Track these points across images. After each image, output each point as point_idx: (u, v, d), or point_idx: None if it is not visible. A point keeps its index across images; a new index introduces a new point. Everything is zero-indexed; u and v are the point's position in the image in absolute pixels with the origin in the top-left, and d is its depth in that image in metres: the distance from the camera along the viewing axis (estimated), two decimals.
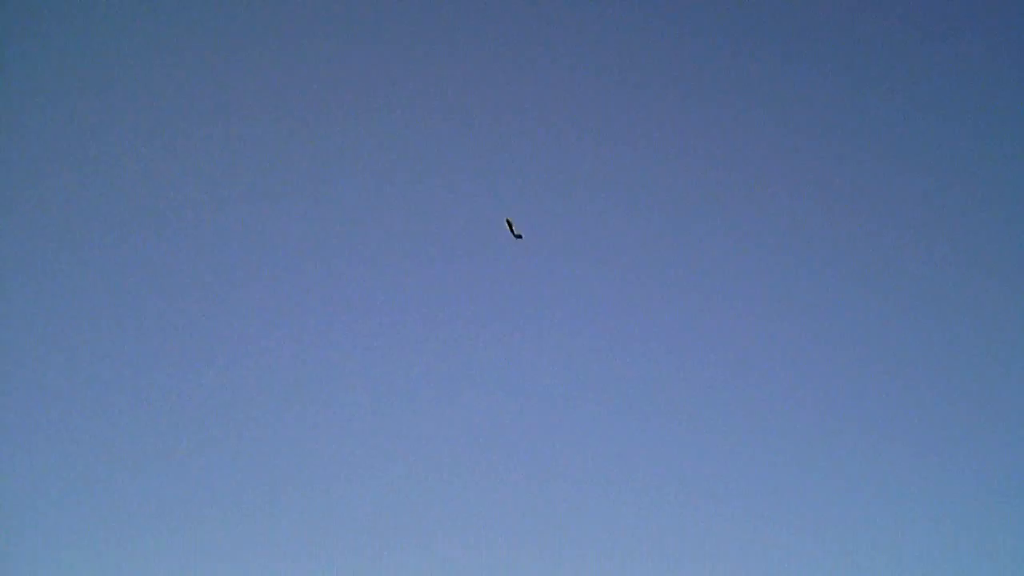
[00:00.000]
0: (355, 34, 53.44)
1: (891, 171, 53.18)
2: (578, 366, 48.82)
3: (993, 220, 51.73)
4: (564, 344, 49.31)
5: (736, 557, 43.29)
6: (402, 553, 42.64)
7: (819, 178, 53.41)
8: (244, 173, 50.28)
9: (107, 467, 43.23)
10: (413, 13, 53.62)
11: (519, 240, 39.23)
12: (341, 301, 49.21)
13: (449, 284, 50.33)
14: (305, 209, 50.39)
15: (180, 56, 50.63)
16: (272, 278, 48.99)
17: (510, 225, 39.20)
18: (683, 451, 46.65)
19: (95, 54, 49.76)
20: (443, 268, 50.48)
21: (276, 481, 44.04)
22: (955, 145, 53.18)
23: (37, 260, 46.44)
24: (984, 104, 53.26)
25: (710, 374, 48.98)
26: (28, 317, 45.29)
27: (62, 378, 44.55)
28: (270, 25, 52.05)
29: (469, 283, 50.23)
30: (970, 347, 49.13)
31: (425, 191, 51.35)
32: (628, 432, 47.07)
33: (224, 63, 51.33)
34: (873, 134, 53.79)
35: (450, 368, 48.10)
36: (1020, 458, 45.37)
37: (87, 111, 49.29)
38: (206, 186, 49.59)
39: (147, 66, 50.19)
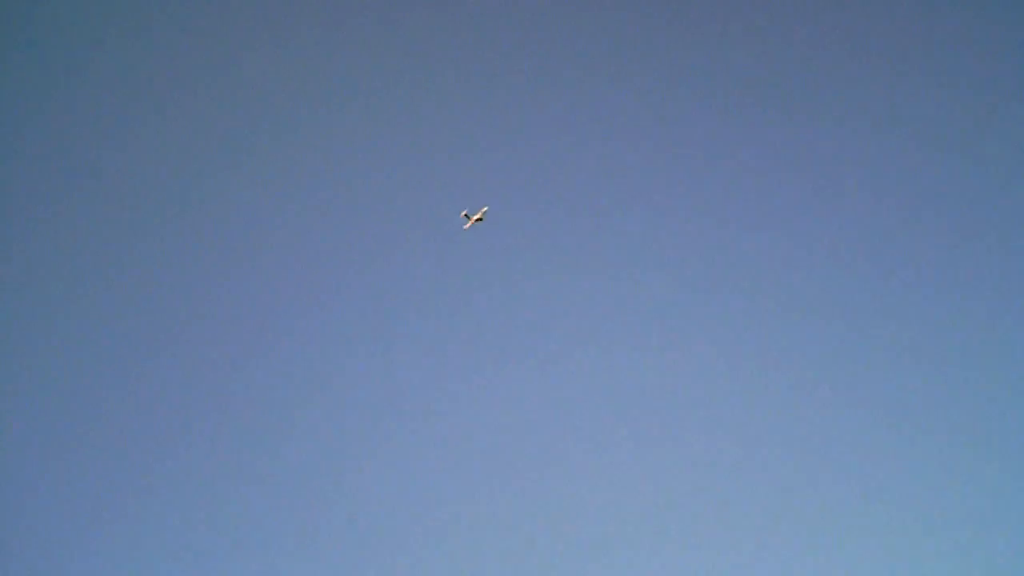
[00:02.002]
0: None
1: (891, 169, 53.37)
2: (575, 364, 49.03)
3: (995, 218, 51.89)
4: (561, 343, 49.47)
5: (736, 556, 43.50)
6: (402, 553, 42.85)
7: (818, 170, 53.65)
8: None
9: (107, 466, 43.43)
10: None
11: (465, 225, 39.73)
12: (334, 294, 49.35)
13: (444, 283, 50.50)
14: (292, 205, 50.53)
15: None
16: (266, 275, 49.11)
17: (470, 217, 39.73)
18: (684, 448, 46.85)
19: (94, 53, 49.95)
20: (437, 265, 50.65)
21: (275, 481, 44.25)
22: (954, 143, 53.36)
23: (37, 260, 46.63)
24: (985, 104, 53.41)
25: (709, 371, 49.17)
26: (28, 317, 45.50)
27: (59, 377, 44.78)
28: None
29: (465, 282, 50.38)
30: (970, 346, 49.30)
31: (418, 187, 51.53)
32: (625, 429, 47.25)
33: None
34: (873, 131, 53.99)
35: (441, 365, 48.28)
36: (1019, 457, 45.56)
37: (86, 110, 49.48)
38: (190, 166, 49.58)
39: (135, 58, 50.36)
